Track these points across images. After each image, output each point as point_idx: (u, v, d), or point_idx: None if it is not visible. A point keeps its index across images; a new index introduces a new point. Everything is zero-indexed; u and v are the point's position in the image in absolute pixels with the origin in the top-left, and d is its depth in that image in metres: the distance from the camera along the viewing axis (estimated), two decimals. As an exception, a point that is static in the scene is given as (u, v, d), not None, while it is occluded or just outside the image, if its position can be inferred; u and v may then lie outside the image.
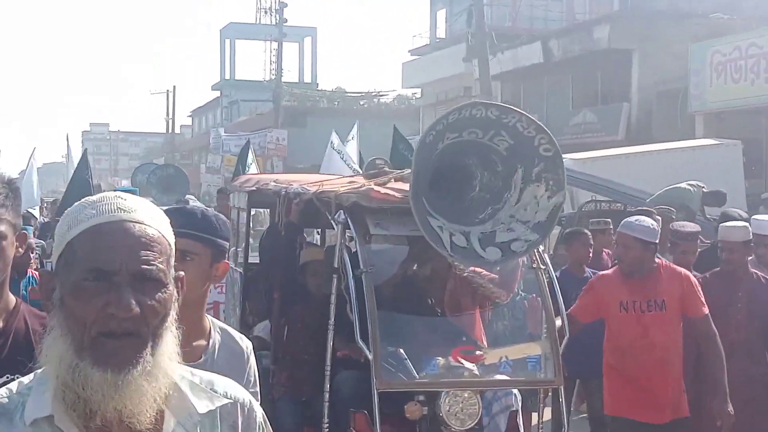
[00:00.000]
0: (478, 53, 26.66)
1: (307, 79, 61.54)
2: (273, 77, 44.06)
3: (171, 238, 1.73)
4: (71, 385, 1.62)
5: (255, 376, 3.11)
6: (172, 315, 1.68)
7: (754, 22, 23.63)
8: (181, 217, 2.75)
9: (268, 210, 9.37)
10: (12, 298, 2.71)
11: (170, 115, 63.36)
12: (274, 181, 7.08)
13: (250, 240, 8.45)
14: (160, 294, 1.65)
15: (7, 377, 2.48)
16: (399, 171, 6.28)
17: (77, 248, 1.66)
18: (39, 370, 1.72)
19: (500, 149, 5.26)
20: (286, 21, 41.24)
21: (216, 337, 2.92)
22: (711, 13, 25.67)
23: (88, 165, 12.67)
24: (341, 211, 5.45)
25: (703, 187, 11.98)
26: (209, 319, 2.96)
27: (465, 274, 5.90)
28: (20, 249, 2.68)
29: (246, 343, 3.03)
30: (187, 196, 20.05)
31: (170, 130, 64.49)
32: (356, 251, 5.51)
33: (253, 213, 9.06)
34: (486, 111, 5.11)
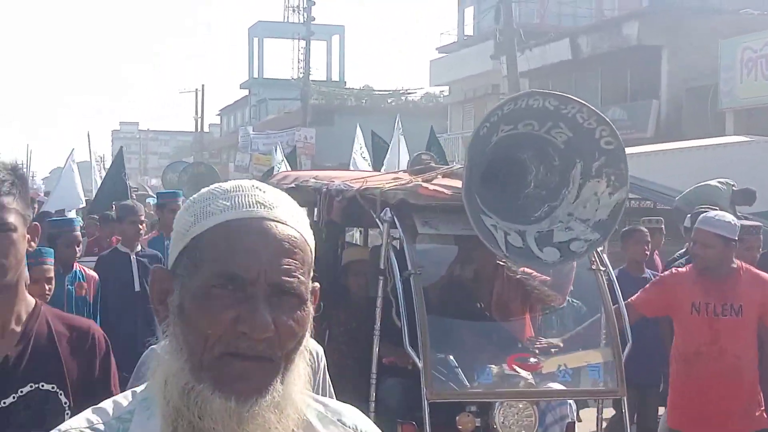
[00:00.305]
0: (506, 50, 26.58)
1: (335, 77, 61.62)
2: (301, 75, 44.13)
3: (312, 242, 1.46)
4: (184, 411, 1.35)
5: (329, 386, 2.87)
6: (308, 336, 1.41)
7: (785, 17, 23.42)
8: None
9: (306, 208, 9.36)
10: (31, 300, 2.50)
11: (199, 114, 63.63)
12: (314, 178, 6.83)
13: None
14: (299, 312, 1.38)
15: (31, 386, 2.38)
16: (447, 166, 6.09)
17: (206, 246, 1.37)
18: (139, 389, 1.45)
19: (558, 142, 4.95)
20: (314, 19, 41.31)
21: None
22: (741, 9, 25.47)
23: (123, 164, 12.70)
24: (387, 209, 5.18)
25: (733, 185, 11.89)
26: None
27: (517, 276, 5.57)
28: (33, 243, 2.44)
29: (316, 348, 2.77)
30: None
31: (199, 129, 64.78)
32: (403, 251, 5.25)
33: None
34: (544, 101, 4.79)
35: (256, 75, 62.31)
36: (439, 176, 5.57)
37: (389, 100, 46.16)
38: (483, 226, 4.79)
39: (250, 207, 1.40)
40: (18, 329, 2.42)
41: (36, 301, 2.49)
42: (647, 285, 5.83)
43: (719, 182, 11.94)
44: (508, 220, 4.95)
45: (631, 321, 5.37)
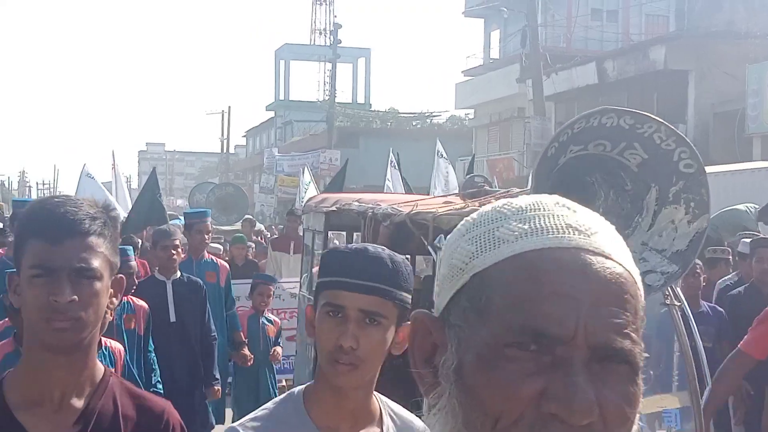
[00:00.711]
0: (532, 74, 26.58)
1: (361, 99, 61.83)
2: (326, 98, 44.33)
3: (641, 283, 1.05)
4: None
5: None
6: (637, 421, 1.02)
7: (813, 42, 23.30)
8: (367, 265, 2.13)
9: (345, 233, 8.93)
10: (101, 368, 2.09)
11: (225, 135, 64.06)
12: (358, 201, 6.52)
13: None
14: (631, 387, 0.99)
15: None
16: (504, 190, 5.77)
17: (496, 286, 0.99)
18: None
19: (631, 165, 4.51)
20: (341, 42, 41.52)
21: (389, 423, 2.25)
22: (769, 34, 25.36)
23: (157, 184, 12.53)
24: (441, 235, 4.75)
25: (756, 207, 11.84)
26: (377, 398, 2.29)
27: None
28: (114, 299, 2.06)
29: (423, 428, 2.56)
30: (246, 216, 19.82)
31: (225, 150, 65.17)
32: None
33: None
34: (618, 119, 4.42)
35: (282, 97, 62.63)
36: (493, 200, 5.18)
37: (414, 123, 46.23)
38: None
39: (559, 232, 1.01)
40: (79, 404, 2.03)
41: (105, 370, 2.10)
42: (755, 325, 5.11)
43: (747, 206, 11.87)
44: None
45: (745, 370, 4.92)
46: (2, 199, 77.06)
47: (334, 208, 6.88)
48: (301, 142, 48.65)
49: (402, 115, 48.84)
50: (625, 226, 4.54)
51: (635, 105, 28.17)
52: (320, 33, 75.31)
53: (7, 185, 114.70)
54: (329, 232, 7.73)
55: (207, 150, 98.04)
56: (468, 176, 6.75)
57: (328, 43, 46.63)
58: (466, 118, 44.74)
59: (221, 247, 12.86)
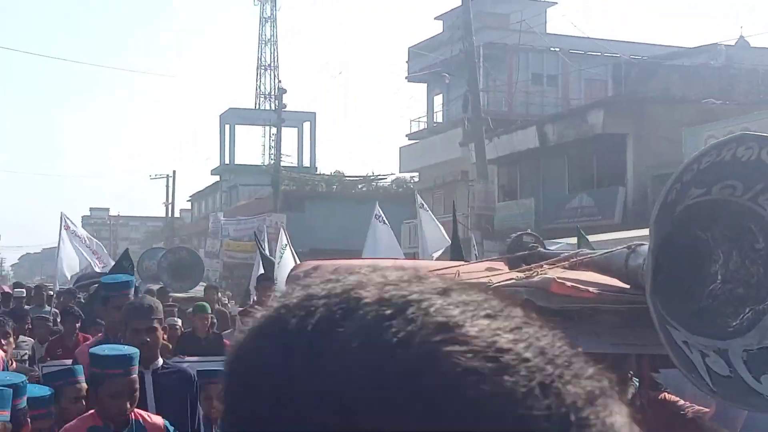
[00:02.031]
0: (475, 138, 26.98)
1: (306, 163, 62.10)
2: (272, 162, 44.48)
3: None
4: None
5: None
6: None
7: (746, 107, 24.03)
8: None
9: None
10: None
11: (170, 200, 63.77)
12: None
13: None
14: None
15: None
16: (572, 251, 4.68)
17: None
18: None
19: (766, 214, 3.52)
20: (285, 106, 41.80)
21: None
22: (703, 99, 26.10)
23: (129, 259, 12.29)
24: None
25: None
26: None
27: (660, 402, 4.28)
28: None
29: None
30: (203, 283, 18.82)
31: (170, 215, 64.81)
32: None
33: None
34: (760, 151, 3.38)
35: (227, 161, 62.68)
36: (554, 267, 4.03)
37: (360, 186, 46.52)
38: (674, 345, 3.27)
39: None
40: None
41: None
42: None
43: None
44: (695, 331, 3.44)
45: None
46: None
47: None
48: (246, 206, 48.62)
49: (347, 178, 49.11)
50: (757, 297, 3.53)
51: (575, 167, 28.80)
52: (265, 97, 75.86)
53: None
54: None
55: (152, 215, 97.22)
56: (515, 235, 5.19)
57: (273, 108, 46.89)
58: (411, 181, 45.15)
59: (178, 321, 11.43)
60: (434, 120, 43.13)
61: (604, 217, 25.52)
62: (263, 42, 78.43)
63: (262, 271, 13.62)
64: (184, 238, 63.29)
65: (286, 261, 12.99)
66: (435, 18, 44.18)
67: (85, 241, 15.18)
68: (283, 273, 12.81)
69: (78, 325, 10.11)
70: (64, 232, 14.33)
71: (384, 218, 14.48)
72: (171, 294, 15.69)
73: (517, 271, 4.03)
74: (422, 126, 43.82)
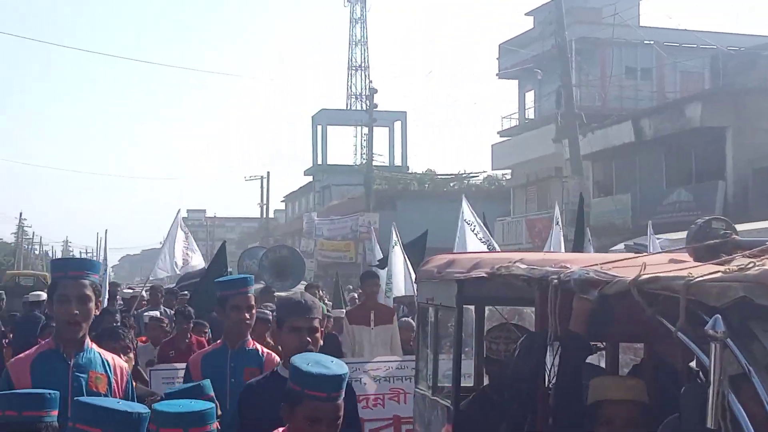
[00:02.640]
0: (568, 133, 26.68)
1: (398, 162, 62.21)
2: (364, 161, 44.69)
3: None
4: None
5: None
6: None
7: None
8: None
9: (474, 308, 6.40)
10: None
11: (264, 201, 64.65)
12: (522, 262, 4.63)
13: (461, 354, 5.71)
14: None
15: None
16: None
17: None
18: None
19: None
20: (377, 106, 41.95)
21: None
22: (806, 88, 25.34)
23: (225, 261, 11.87)
24: (718, 317, 2.90)
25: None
26: None
27: None
28: None
29: None
30: (304, 282, 18.08)
31: (264, 215, 65.70)
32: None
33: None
34: None
35: (320, 161, 63.20)
36: (740, 256, 3.51)
37: (452, 184, 46.39)
38: None
39: None
40: None
41: None
42: None
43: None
44: None
45: None
46: (47, 269, 77.91)
47: (483, 275, 4.94)
48: (339, 205, 48.97)
49: (439, 176, 49.04)
50: None
51: (673, 162, 28.20)
52: (356, 98, 76.35)
53: (51, 255, 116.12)
54: (463, 307, 5.67)
55: (247, 215, 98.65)
56: (701, 221, 4.28)
57: (364, 108, 47.18)
58: (503, 179, 44.84)
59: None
60: (526, 116, 42.78)
61: (704, 212, 24.91)
62: (354, 43, 78.97)
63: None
64: (278, 239, 64.07)
65: (396, 258, 13.00)
66: (526, 14, 43.80)
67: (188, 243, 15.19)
68: (396, 270, 12.76)
69: (190, 326, 9.89)
70: (179, 231, 13.94)
71: (471, 216, 14.12)
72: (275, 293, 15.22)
73: (715, 263, 3.54)
74: (514, 123, 43.49)
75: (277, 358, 4.95)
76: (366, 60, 78.67)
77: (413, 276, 12.22)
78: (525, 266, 4.54)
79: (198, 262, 14.48)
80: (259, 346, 5.44)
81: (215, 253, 12.06)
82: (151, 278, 16.49)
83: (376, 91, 42.43)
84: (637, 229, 24.55)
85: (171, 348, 9.56)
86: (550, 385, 4.33)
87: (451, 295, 5.55)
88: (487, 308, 6.53)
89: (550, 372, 4.38)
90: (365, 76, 76.74)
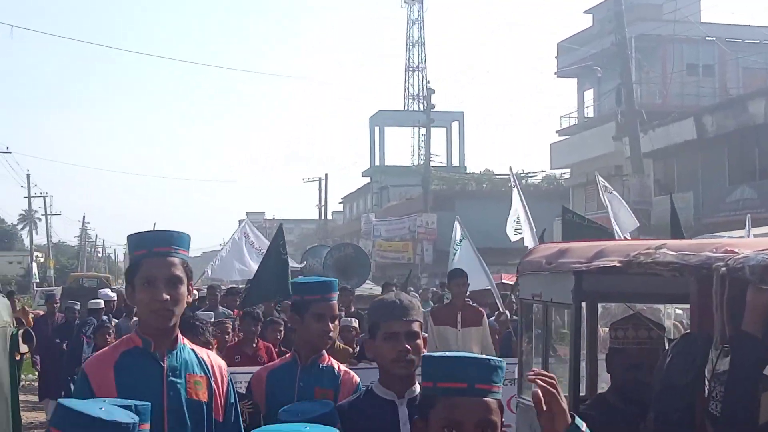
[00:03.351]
0: (629, 131, 26.37)
1: (455, 162, 62.10)
2: (421, 162, 44.65)
3: None
4: None
5: None
6: None
7: None
8: None
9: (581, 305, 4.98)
10: None
11: (323, 202, 64.96)
12: (663, 248, 3.90)
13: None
14: None
15: None
16: None
17: None
18: None
19: None
20: (434, 107, 41.88)
21: None
22: None
23: (284, 244, 10.78)
24: None
25: None
26: None
27: None
28: None
29: None
30: (367, 282, 17.12)
31: (323, 217, 66.02)
32: None
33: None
34: None
35: (377, 163, 63.34)
36: None
37: (510, 184, 46.20)
38: None
39: None
40: None
41: None
42: None
43: None
44: None
45: None
46: (109, 271, 79.27)
47: (611, 263, 4.18)
48: (397, 206, 49.00)
49: (497, 176, 48.81)
50: None
51: (735, 159, 27.72)
52: (414, 98, 76.30)
53: (113, 257, 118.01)
54: (582, 304, 4.88)
55: (305, 217, 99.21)
56: None
57: (421, 108, 47.11)
58: (562, 178, 44.48)
59: (354, 322, 10.09)
60: (585, 115, 42.39)
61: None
62: (411, 43, 78.94)
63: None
64: (336, 240, 64.34)
65: (464, 253, 12.58)
66: (584, 12, 43.46)
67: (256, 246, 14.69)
68: (467, 264, 11.84)
69: (258, 329, 9.20)
70: (242, 237, 13.92)
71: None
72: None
73: None
74: (573, 121, 43.13)
75: (357, 378, 4.37)
76: (423, 61, 78.62)
77: (487, 269, 12.00)
78: (674, 252, 3.77)
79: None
80: (335, 363, 4.47)
81: (273, 236, 11.14)
82: (216, 277, 16.26)
83: (433, 91, 42.37)
84: (700, 227, 24.17)
85: (237, 352, 8.93)
86: (714, 401, 3.34)
87: (566, 289, 4.70)
88: (600, 305, 5.62)
89: (713, 384, 3.33)
90: (423, 76, 76.69)
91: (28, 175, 64.03)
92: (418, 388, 3.35)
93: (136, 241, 3.57)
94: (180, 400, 3.43)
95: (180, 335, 3.56)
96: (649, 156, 28.34)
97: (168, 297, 3.38)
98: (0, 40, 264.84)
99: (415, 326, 3.48)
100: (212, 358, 3.69)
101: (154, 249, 3.47)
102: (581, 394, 4.98)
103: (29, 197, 65.57)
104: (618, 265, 4.11)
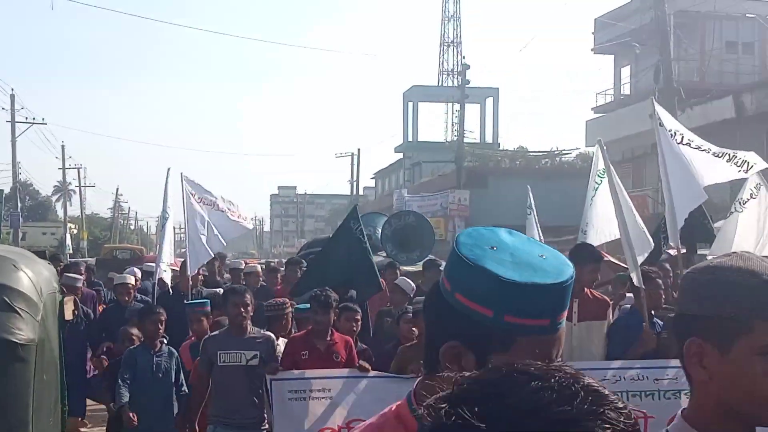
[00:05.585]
0: (666, 109, 25.94)
1: (489, 138, 61.65)
2: (455, 138, 44.31)
3: None
4: None
5: None
6: None
7: None
8: None
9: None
10: None
11: (354, 178, 64.82)
12: None
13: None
14: None
15: None
16: None
17: None
18: None
19: None
20: (469, 82, 41.48)
21: None
22: None
23: (360, 227, 9.41)
24: None
25: None
26: None
27: None
28: None
29: None
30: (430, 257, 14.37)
31: (354, 192, 65.89)
32: None
33: None
34: None
35: (410, 138, 63.02)
36: None
37: (544, 161, 45.69)
38: None
39: None
40: None
41: None
42: None
43: None
44: None
45: None
46: (141, 243, 79.68)
47: None
48: (430, 182, 48.71)
49: (531, 153, 48.35)
50: None
51: (777, 139, 27.19)
52: (448, 74, 75.83)
53: (146, 230, 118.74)
54: None
55: (336, 192, 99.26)
56: None
57: (456, 84, 46.71)
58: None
59: (410, 308, 8.35)
60: (621, 92, 41.82)
61: (808, 190, 24.01)
62: (446, 18, 78.36)
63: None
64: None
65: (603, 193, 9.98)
66: (622, -14, 42.80)
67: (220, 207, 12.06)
68: (597, 212, 10.38)
69: (331, 317, 7.04)
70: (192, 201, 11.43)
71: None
72: (401, 267, 12.82)
73: None
74: (609, 99, 42.57)
75: None
76: (458, 36, 78.05)
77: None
78: None
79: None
80: None
81: (345, 218, 9.70)
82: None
83: (468, 67, 41.96)
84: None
85: (303, 347, 6.88)
86: None
87: None
88: None
89: None
90: (458, 52, 76.16)
91: (63, 147, 64.45)
92: None
93: None
94: None
95: None
96: (686, 134, 27.91)
97: None
98: (40, 11, 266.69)
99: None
100: None
101: None
102: None
103: (63, 169, 66.00)
104: None
